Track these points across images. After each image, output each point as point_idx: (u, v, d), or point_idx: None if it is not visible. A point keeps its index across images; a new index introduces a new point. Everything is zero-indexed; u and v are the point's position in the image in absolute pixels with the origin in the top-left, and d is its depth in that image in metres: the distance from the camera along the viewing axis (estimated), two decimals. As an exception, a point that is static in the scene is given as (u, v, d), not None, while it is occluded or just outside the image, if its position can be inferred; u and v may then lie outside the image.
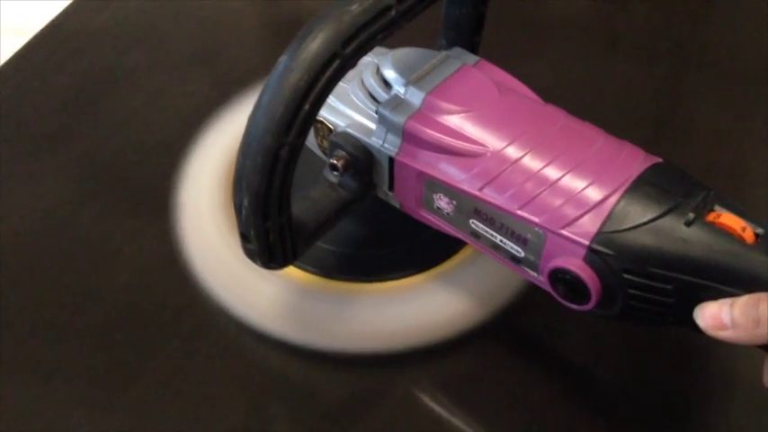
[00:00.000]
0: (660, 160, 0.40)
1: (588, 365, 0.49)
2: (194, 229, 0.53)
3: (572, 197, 0.39)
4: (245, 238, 0.43)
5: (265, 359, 0.49)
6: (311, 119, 0.39)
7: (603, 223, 0.38)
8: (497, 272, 0.50)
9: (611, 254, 0.38)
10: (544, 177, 0.40)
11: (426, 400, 0.47)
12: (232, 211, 0.41)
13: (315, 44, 0.37)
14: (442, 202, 0.43)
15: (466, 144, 0.41)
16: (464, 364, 0.48)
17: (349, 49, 0.37)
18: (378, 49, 0.48)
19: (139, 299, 0.51)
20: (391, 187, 0.46)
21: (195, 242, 0.53)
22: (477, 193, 0.41)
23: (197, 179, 0.56)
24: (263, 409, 0.47)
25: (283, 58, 0.38)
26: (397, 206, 0.47)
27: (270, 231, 0.41)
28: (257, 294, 0.50)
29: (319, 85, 0.37)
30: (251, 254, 0.43)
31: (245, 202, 0.40)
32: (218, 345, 0.49)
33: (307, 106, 0.38)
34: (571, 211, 0.39)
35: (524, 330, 0.50)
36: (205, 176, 0.56)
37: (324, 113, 0.47)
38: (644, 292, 0.38)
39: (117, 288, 0.51)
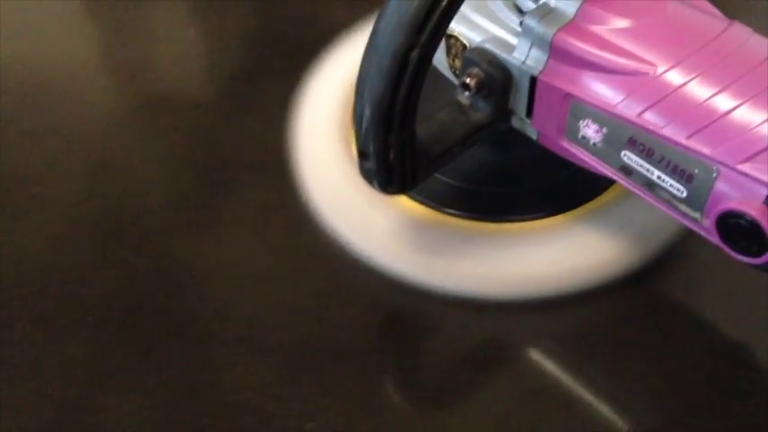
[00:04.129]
0: None
1: (742, 328, 0.42)
2: (312, 159, 0.49)
3: (755, 127, 0.32)
4: (363, 155, 0.38)
5: (383, 296, 0.44)
6: (448, 18, 0.34)
7: (795, 159, 0.31)
8: (641, 219, 0.44)
9: (802, 196, 0.31)
10: (721, 103, 0.33)
11: (550, 355, 0.42)
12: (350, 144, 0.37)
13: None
14: (590, 129, 0.37)
15: (627, 61, 0.35)
16: (593, 319, 0.43)
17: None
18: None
19: (256, 225, 0.47)
20: (529, 113, 0.40)
21: (313, 174, 0.48)
22: (635, 118, 0.35)
23: (315, 105, 0.52)
24: (375, 350, 0.43)
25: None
26: (534, 137, 0.41)
27: (391, 148, 0.37)
28: (382, 232, 0.45)
29: (461, -25, 0.32)
30: (368, 174, 0.39)
31: (367, 112, 0.36)
32: (334, 278, 0.45)
33: (444, 2, 0.33)
34: (753, 144, 0.32)
35: (665, 288, 0.44)
36: (324, 102, 0.52)
37: (459, 27, 0.42)
38: (841, 246, 0.31)
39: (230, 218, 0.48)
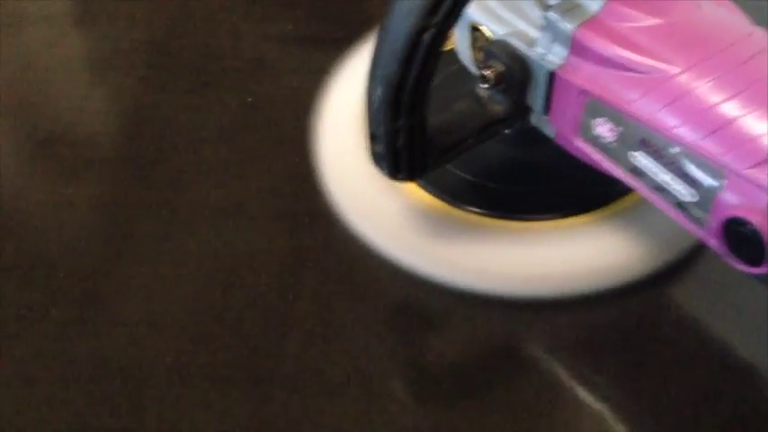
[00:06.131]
0: None
1: (753, 344, 0.41)
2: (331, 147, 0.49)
3: (765, 133, 0.32)
4: (373, 137, 0.38)
5: (393, 287, 0.44)
6: (461, 2, 0.33)
7: (805, 167, 0.30)
8: (658, 225, 0.43)
9: (809, 206, 0.30)
10: (734, 107, 0.33)
11: (559, 356, 0.41)
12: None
13: None
14: (604, 128, 0.37)
15: (647, 60, 0.35)
16: (602, 323, 0.42)
17: None
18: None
19: (273, 211, 0.47)
20: (546, 110, 0.40)
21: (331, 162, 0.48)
22: (648, 118, 0.34)
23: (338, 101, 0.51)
24: (383, 339, 0.42)
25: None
26: (551, 135, 0.41)
27: (400, 132, 0.37)
28: (396, 224, 0.45)
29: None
30: (378, 158, 0.39)
31: (378, 93, 0.36)
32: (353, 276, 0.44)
33: (459, -16, 0.33)
34: (763, 149, 0.31)
35: (678, 295, 0.43)
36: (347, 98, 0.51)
37: (484, 20, 0.41)
38: None
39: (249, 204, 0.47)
